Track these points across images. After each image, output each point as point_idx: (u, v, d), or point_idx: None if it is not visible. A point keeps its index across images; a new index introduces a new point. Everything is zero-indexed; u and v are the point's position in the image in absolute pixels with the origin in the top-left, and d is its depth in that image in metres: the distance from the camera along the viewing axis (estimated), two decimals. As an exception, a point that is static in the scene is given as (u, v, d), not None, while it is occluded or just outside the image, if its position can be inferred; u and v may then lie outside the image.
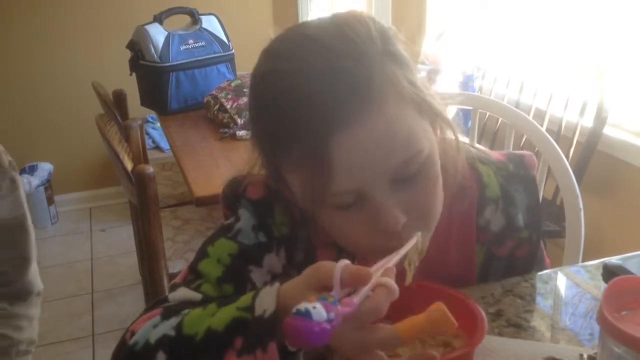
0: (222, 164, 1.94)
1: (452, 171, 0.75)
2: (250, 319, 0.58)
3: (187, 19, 2.50)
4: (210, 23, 2.49)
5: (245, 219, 0.76)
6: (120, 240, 2.98)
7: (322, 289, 0.54)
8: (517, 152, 0.88)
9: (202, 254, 0.75)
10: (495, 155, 0.86)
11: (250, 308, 0.58)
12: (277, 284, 0.59)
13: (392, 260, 0.60)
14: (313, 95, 0.62)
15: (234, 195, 0.78)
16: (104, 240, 3.06)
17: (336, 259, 0.59)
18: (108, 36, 3.10)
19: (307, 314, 0.48)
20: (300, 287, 0.57)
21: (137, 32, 2.41)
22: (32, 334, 0.98)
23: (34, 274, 0.97)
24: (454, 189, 0.75)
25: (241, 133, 2.05)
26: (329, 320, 0.49)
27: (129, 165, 1.84)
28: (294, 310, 0.49)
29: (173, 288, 0.72)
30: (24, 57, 3.13)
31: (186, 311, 0.64)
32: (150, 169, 1.75)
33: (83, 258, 2.89)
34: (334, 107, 0.61)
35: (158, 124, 3.04)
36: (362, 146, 0.62)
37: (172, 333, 0.61)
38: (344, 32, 0.64)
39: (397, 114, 0.64)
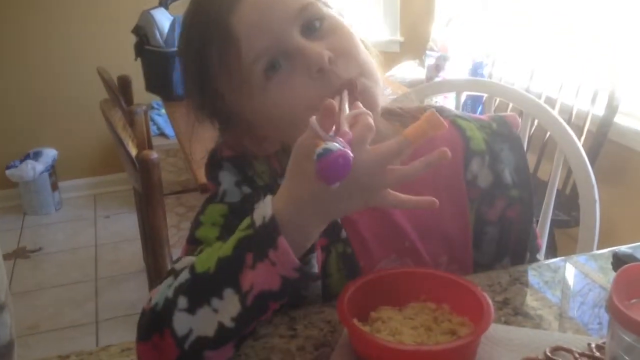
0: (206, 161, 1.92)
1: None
2: (253, 233, 0.60)
3: (192, 3, 2.47)
4: (216, 8, 2.46)
5: (227, 180, 0.77)
6: (124, 227, 2.97)
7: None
8: (499, 113, 0.89)
9: (196, 224, 0.76)
10: (475, 115, 0.89)
11: (251, 224, 0.61)
12: (269, 196, 0.62)
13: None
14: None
15: (214, 162, 0.79)
16: (108, 227, 3.05)
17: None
18: (113, 21, 3.08)
19: (326, 152, 0.53)
20: (290, 181, 0.61)
21: (142, 16, 2.39)
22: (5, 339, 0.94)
23: None
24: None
25: (246, 119, 2.03)
26: (344, 148, 0.54)
27: (133, 151, 1.83)
28: (314, 156, 0.54)
29: (177, 261, 0.72)
30: (28, 43, 3.12)
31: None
32: (154, 155, 1.74)
33: (87, 244, 2.88)
34: None
35: (163, 110, 3.02)
36: (256, 8, 0.69)
37: (185, 277, 0.63)
38: None
39: None
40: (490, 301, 0.63)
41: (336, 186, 0.55)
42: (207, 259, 0.63)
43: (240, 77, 0.71)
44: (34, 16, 3.08)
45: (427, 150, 0.60)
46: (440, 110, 0.85)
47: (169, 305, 0.62)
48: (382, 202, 0.61)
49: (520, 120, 0.90)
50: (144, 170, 1.74)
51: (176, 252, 1.85)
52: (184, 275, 0.64)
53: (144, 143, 1.96)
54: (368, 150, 0.57)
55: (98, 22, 3.14)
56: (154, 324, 0.63)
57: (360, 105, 0.63)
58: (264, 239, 0.59)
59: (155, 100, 3.02)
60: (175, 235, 1.93)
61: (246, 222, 0.62)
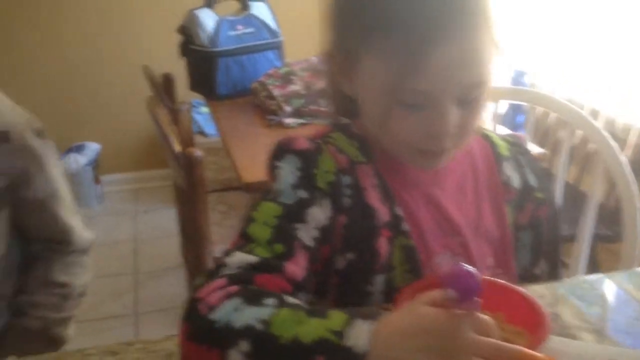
0: (268, 150, 1.95)
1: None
2: (338, 344, 0.59)
3: (236, 4, 2.51)
4: (259, 9, 2.49)
5: (285, 178, 0.79)
6: (162, 222, 3.02)
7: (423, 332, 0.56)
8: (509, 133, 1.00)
9: (248, 219, 0.77)
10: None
11: (340, 334, 0.60)
12: (373, 324, 0.59)
13: None
14: None
15: (278, 150, 0.82)
16: (148, 221, 3.11)
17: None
18: (158, 20, 3.14)
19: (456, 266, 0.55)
20: (397, 333, 0.57)
21: (187, 16, 2.43)
22: (87, 279, 1.04)
23: (80, 231, 1.02)
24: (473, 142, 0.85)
25: (288, 121, 2.06)
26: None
27: (177, 148, 1.87)
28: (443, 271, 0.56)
29: (227, 253, 0.74)
30: (76, 39, 3.20)
31: (270, 301, 0.65)
32: (198, 153, 1.77)
33: (127, 238, 2.94)
34: (444, 10, 0.71)
35: (203, 109, 3.07)
36: (454, 56, 0.72)
37: (259, 326, 0.63)
38: None
39: (485, 41, 0.74)
40: (546, 311, 0.64)
41: (463, 303, 0.55)
42: (285, 326, 0.62)
43: (390, 83, 0.73)
44: (81, 15, 3.16)
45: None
46: None
47: (230, 337, 0.63)
48: None
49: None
50: (188, 167, 1.78)
51: (217, 250, 1.89)
52: (257, 315, 0.63)
53: (188, 140, 2.00)
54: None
55: (144, 21, 3.21)
56: (208, 337, 0.64)
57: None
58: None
59: (195, 98, 3.07)
60: (217, 233, 1.96)
61: (338, 323, 0.61)
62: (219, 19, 2.39)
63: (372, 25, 0.74)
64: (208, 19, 2.39)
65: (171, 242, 2.75)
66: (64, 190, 1.03)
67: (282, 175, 0.79)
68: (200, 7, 2.42)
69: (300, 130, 2.00)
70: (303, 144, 0.81)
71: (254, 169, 1.75)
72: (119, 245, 2.88)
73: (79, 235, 1.00)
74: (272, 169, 0.81)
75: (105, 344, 0.77)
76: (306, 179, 0.78)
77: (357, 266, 0.79)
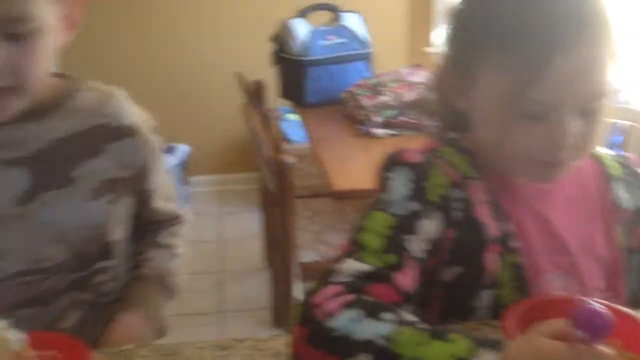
0: (358, 159, 1.98)
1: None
2: None
3: (329, 15, 2.55)
4: (351, 20, 2.53)
5: (397, 189, 0.80)
6: (246, 225, 3.09)
7: None
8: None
9: (358, 227, 0.79)
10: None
11: None
12: (499, 356, 0.60)
13: None
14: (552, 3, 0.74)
15: (389, 161, 0.83)
16: (232, 223, 3.19)
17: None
18: (251, 29, 3.24)
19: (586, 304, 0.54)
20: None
21: (281, 26, 2.50)
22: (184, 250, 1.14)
23: (179, 211, 1.14)
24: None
25: (377, 131, 2.07)
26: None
27: (269, 154, 1.92)
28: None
29: (338, 260, 0.76)
30: (173, 45, 3.33)
31: (388, 316, 0.66)
32: (290, 159, 1.82)
33: (212, 238, 3.03)
34: (564, 19, 0.72)
35: (289, 116, 3.12)
36: (575, 65, 0.73)
37: (380, 342, 0.64)
38: None
39: (605, 50, 0.75)
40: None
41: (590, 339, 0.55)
42: (409, 346, 0.63)
43: (512, 95, 0.74)
44: (180, 21, 3.30)
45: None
46: None
47: (350, 348, 0.64)
48: None
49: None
50: (279, 172, 1.83)
51: (302, 254, 1.93)
52: (378, 330, 0.65)
53: (279, 146, 2.05)
54: None
55: (237, 29, 3.32)
56: (326, 344, 0.66)
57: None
58: None
59: (282, 105, 3.13)
60: (302, 238, 2.00)
61: (462, 351, 0.61)
62: (311, 29, 2.44)
63: (492, 39, 0.76)
64: (301, 28, 2.44)
65: (254, 244, 2.82)
66: (170, 181, 1.11)
67: (394, 187, 0.80)
68: (294, 17, 2.48)
69: (390, 141, 2.02)
70: (415, 157, 0.83)
71: (343, 177, 1.78)
72: (204, 245, 2.97)
73: (179, 215, 1.12)
74: (383, 179, 0.82)
75: (190, 340, 0.82)
76: (418, 192, 0.79)
77: (464, 280, 0.80)
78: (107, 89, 1.03)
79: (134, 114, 1.03)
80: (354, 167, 1.90)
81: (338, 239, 2.02)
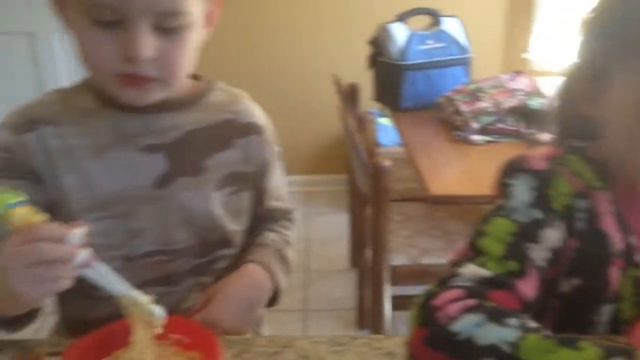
0: (454, 165, 1.96)
1: None
2: None
3: (428, 19, 2.54)
4: (451, 25, 2.50)
5: (519, 196, 0.79)
6: (332, 225, 3.13)
7: None
8: None
9: (478, 232, 0.78)
10: None
11: None
12: None
13: None
14: None
15: (511, 168, 0.82)
16: (318, 223, 3.23)
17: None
18: (348, 32, 3.27)
19: None
20: None
21: (379, 29, 2.50)
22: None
23: (290, 204, 1.19)
24: None
25: (475, 138, 2.04)
26: None
27: (363, 156, 1.93)
28: None
29: (457, 263, 0.76)
30: (274, 46, 3.41)
31: (512, 322, 0.66)
32: (386, 163, 1.82)
33: (299, 237, 3.06)
34: None
35: (380, 120, 3.13)
36: None
37: (505, 348, 0.63)
38: None
39: None
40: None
41: None
42: (535, 354, 0.62)
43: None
44: (281, 23, 3.38)
45: None
46: None
47: (473, 353, 0.64)
48: None
49: None
50: (375, 176, 1.84)
51: (393, 257, 1.93)
52: (504, 335, 0.64)
53: (374, 149, 2.06)
54: None
55: (334, 32, 3.36)
56: (448, 347, 0.66)
57: None
58: None
59: (373, 109, 3.14)
60: (393, 241, 2.01)
61: (595, 357, 0.60)
62: (410, 33, 2.43)
63: (630, 43, 0.74)
64: (399, 32, 2.44)
65: (340, 245, 2.84)
66: (284, 183, 1.14)
67: (516, 193, 0.79)
68: (392, 21, 2.48)
69: (486, 148, 1.99)
70: (539, 164, 0.81)
71: (439, 182, 1.77)
72: (292, 244, 3.02)
73: (292, 210, 1.17)
74: (504, 185, 0.82)
75: (276, 335, 0.84)
76: (541, 199, 0.78)
77: (584, 293, 0.78)
78: (236, 90, 1.09)
79: (260, 114, 1.10)
80: (450, 172, 1.88)
81: (429, 244, 2.01)
